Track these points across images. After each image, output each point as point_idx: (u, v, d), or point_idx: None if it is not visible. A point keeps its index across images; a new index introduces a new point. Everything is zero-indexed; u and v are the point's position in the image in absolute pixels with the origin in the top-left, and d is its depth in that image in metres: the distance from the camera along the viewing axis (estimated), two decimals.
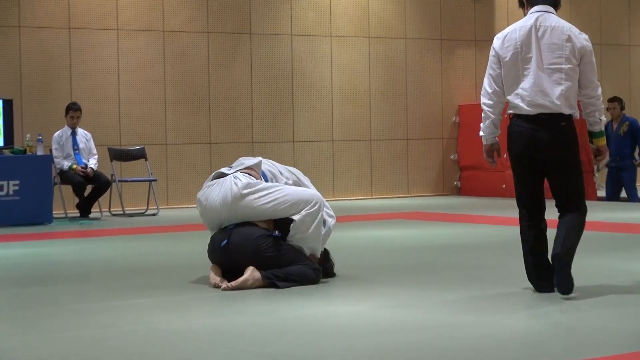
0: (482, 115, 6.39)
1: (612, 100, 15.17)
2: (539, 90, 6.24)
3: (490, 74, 6.39)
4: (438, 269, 7.66)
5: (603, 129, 6.61)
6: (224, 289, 6.58)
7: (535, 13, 6.50)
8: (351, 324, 5.41)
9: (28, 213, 12.08)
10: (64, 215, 13.05)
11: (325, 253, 7.20)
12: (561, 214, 6.52)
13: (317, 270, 6.87)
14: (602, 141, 6.63)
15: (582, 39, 6.30)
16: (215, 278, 6.76)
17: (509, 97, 6.32)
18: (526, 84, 6.27)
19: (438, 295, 6.34)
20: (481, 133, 6.43)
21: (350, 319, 5.59)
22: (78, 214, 13.23)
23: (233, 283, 6.61)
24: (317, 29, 16.32)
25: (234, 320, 5.60)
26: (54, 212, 12.54)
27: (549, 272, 6.29)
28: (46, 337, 5.17)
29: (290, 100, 16.05)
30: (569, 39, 6.27)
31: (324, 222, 7.17)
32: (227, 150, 15.38)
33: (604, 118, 6.58)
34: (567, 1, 17.86)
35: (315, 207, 6.92)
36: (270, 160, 7.50)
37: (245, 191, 6.89)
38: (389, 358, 4.59)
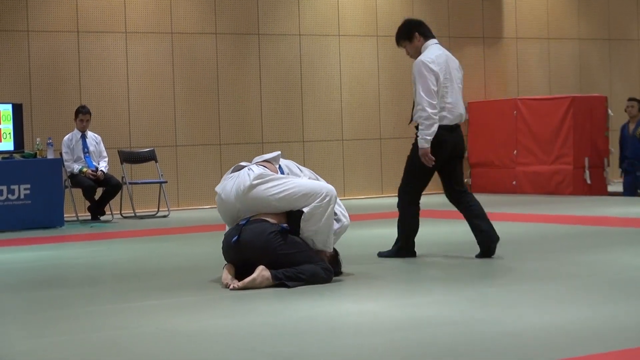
0: (428, 123, 7.75)
1: (631, 99, 15.11)
2: (458, 104, 7.94)
3: (432, 89, 7.74)
4: (447, 267, 7.67)
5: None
6: (233, 289, 6.60)
7: (437, 43, 8.01)
8: (362, 323, 5.43)
9: (39, 217, 12.11)
10: (75, 219, 13.08)
11: (335, 253, 7.20)
12: (462, 196, 8.01)
13: (329, 270, 6.86)
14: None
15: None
16: (226, 277, 6.77)
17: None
18: (449, 98, 7.88)
19: (448, 293, 6.35)
20: (427, 138, 7.77)
21: (361, 317, 5.60)
22: (89, 217, 13.27)
23: (241, 283, 6.63)
24: (325, 28, 16.33)
25: (246, 320, 5.61)
26: (65, 215, 12.57)
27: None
28: (59, 340, 5.19)
29: (299, 100, 16.06)
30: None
31: (338, 220, 7.18)
32: (237, 151, 15.39)
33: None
34: None
35: (326, 200, 6.91)
36: (292, 161, 7.55)
37: (256, 182, 6.91)
38: (400, 356, 4.60)
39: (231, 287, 6.65)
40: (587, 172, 15.38)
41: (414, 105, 7.96)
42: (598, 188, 15.44)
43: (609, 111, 15.75)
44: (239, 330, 5.29)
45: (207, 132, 15.34)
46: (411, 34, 8.03)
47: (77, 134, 13.25)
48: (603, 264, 7.50)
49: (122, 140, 14.67)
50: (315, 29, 16.23)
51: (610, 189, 15.66)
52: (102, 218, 13.22)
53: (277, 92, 15.89)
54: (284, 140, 15.89)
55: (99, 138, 13.47)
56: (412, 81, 7.95)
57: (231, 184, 7.05)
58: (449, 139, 7.91)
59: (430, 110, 7.74)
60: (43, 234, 11.47)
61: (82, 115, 13.26)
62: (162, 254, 9.29)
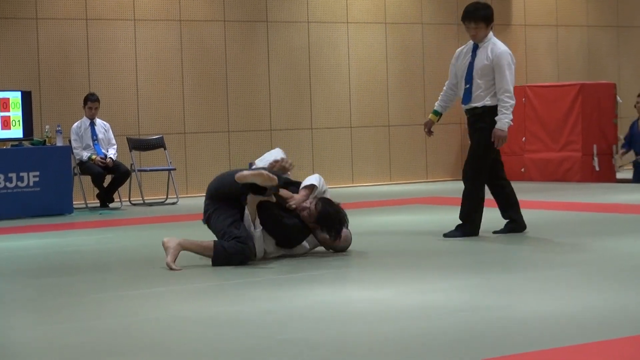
0: (511, 109, 8.23)
1: None
2: None
3: (512, 80, 8.30)
4: (457, 254, 7.65)
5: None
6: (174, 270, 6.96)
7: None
8: (371, 310, 5.41)
9: (48, 204, 12.11)
10: (84, 206, 13.08)
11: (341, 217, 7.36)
12: (504, 184, 8.66)
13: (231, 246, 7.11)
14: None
15: None
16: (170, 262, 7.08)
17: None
18: None
19: (458, 280, 6.33)
20: (510, 122, 8.25)
21: (370, 304, 5.58)
22: (98, 204, 13.27)
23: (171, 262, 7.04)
24: (334, 15, 16.28)
25: (254, 307, 5.60)
26: (74, 202, 12.57)
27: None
28: (67, 326, 5.19)
29: (307, 88, 16.03)
30: None
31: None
32: (245, 139, 15.37)
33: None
34: None
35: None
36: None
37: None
38: (409, 344, 4.58)
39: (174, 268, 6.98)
40: (596, 159, 15.32)
41: (470, 90, 8.38)
42: (606, 175, 15.38)
43: (618, 98, 15.68)
44: (247, 317, 5.27)
45: (216, 120, 15.32)
46: (491, 21, 8.46)
47: (86, 121, 13.24)
48: (613, 251, 7.46)
49: (130, 128, 14.65)
50: (324, 15, 16.18)
51: (618, 175, 15.60)
52: (110, 205, 13.22)
53: (286, 79, 15.86)
54: (292, 128, 15.86)
55: (108, 125, 13.46)
56: (487, 65, 8.32)
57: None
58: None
59: (513, 99, 8.30)
60: (52, 222, 11.47)
61: (91, 102, 13.24)
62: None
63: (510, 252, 7.54)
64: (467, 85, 8.39)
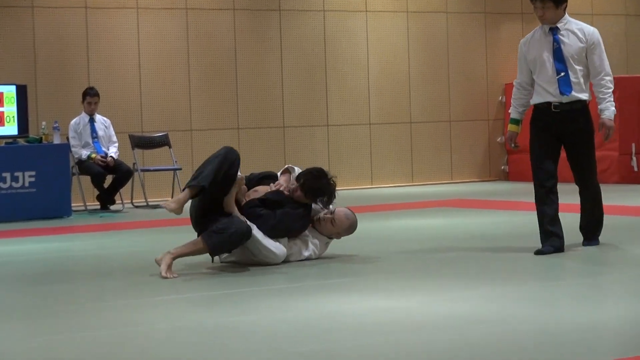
0: (611, 94, 7.79)
1: None
2: None
3: None
4: (485, 261, 7.63)
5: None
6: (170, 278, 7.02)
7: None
8: (391, 320, 5.40)
9: (45, 206, 12.13)
10: (83, 208, 13.10)
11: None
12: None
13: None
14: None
15: None
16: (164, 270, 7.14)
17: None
18: None
19: (485, 289, 6.32)
20: (615, 111, 7.83)
21: (390, 314, 5.58)
22: (98, 206, 13.29)
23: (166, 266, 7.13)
24: (352, 3, 16.28)
25: (267, 317, 5.60)
26: (72, 204, 12.59)
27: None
28: (65, 337, 5.19)
29: (323, 81, 16.03)
30: None
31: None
32: (256, 136, 15.39)
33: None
34: None
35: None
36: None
37: None
38: (431, 356, 4.58)
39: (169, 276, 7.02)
40: (634, 158, 15.28)
41: (568, 79, 7.78)
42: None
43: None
44: (258, 328, 5.28)
45: (224, 116, 15.34)
46: (562, 1, 7.84)
47: (85, 117, 13.26)
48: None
49: (133, 124, 14.68)
50: (341, 3, 16.18)
51: None
52: (112, 207, 13.25)
53: (300, 72, 15.87)
54: (306, 124, 15.87)
55: (109, 122, 13.49)
56: (582, 48, 7.80)
57: None
58: None
59: (612, 83, 7.89)
60: (49, 225, 11.50)
61: (90, 97, 13.27)
62: (176, 246, 9.26)
63: (542, 259, 7.52)
64: (562, 74, 7.74)
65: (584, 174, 8.00)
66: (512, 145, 8.00)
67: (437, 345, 4.76)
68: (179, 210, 7.16)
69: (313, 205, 7.67)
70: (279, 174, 7.97)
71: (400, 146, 16.64)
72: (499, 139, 17.23)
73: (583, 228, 8.07)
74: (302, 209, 7.59)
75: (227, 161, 7.24)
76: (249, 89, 15.50)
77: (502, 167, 17.26)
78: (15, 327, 5.61)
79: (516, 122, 8.06)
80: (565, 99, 7.75)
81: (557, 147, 7.90)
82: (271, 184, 7.79)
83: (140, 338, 5.16)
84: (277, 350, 4.76)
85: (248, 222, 7.23)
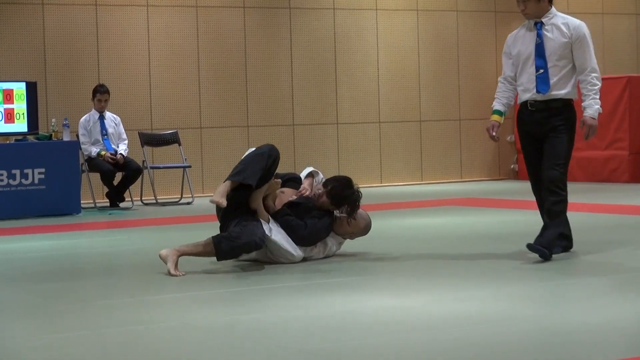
0: (599, 91, 7.45)
1: None
2: None
3: None
4: (494, 259, 7.61)
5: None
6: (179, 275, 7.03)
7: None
8: (400, 319, 5.40)
9: (54, 203, 12.14)
10: (92, 205, 13.11)
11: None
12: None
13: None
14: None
15: None
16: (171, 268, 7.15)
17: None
18: None
19: (494, 287, 6.31)
20: (600, 110, 7.43)
21: (398, 313, 5.57)
22: (107, 204, 13.30)
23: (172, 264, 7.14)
24: (362, 1, 16.26)
25: (274, 315, 5.60)
26: (82, 201, 12.60)
27: None
28: (72, 335, 5.19)
29: (333, 79, 16.02)
30: None
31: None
32: (265, 134, 15.38)
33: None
34: None
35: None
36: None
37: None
38: (439, 355, 4.57)
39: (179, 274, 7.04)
40: None
41: (546, 76, 7.51)
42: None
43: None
44: (266, 326, 5.27)
45: (234, 113, 15.34)
46: None
47: (94, 114, 13.27)
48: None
49: (142, 122, 14.69)
50: (351, 2, 16.17)
51: None
52: (121, 205, 13.25)
53: (310, 70, 15.86)
54: (316, 123, 15.86)
55: (118, 119, 13.49)
56: (565, 43, 7.52)
57: None
58: None
59: (600, 80, 7.53)
60: (58, 222, 11.50)
61: (100, 94, 13.28)
62: (181, 244, 9.27)
63: (552, 259, 7.50)
64: (541, 71, 7.50)
65: (550, 175, 7.53)
66: (493, 134, 7.69)
67: (444, 344, 4.75)
68: (225, 202, 7.15)
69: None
70: (302, 176, 8.01)
71: (409, 144, 16.62)
72: (508, 138, 17.20)
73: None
74: (328, 217, 7.63)
75: (270, 159, 7.28)
76: (258, 86, 15.50)
77: (512, 166, 17.23)
78: (22, 325, 5.61)
79: (499, 112, 7.74)
80: (540, 97, 7.50)
81: (540, 150, 7.60)
82: (302, 191, 7.85)
83: (149, 336, 5.16)
84: (284, 349, 4.76)
85: (265, 227, 7.22)
